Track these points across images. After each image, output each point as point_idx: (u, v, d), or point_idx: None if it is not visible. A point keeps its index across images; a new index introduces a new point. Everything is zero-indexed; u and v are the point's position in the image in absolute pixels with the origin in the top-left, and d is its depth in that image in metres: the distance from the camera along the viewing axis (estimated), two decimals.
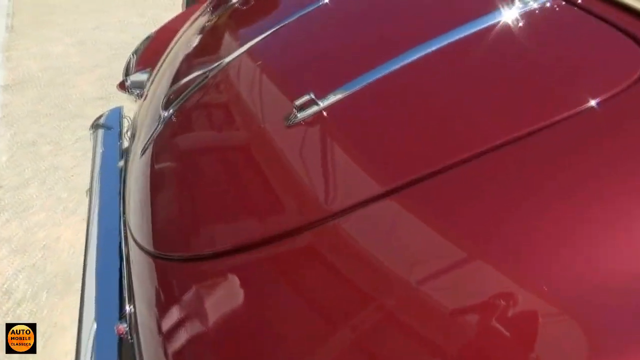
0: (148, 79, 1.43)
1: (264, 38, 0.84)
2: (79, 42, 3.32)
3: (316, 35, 0.81)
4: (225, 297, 0.66)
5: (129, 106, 2.56)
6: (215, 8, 1.27)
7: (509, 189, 0.50)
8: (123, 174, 1.18)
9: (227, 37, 0.98)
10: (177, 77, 0.98)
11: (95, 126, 1.52)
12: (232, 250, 0.67)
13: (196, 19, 1.28)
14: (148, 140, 0.93)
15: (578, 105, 0.53)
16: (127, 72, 1.61)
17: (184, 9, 3.89)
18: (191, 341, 0.67)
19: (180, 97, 0.89)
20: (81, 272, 1.65)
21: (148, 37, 1.62)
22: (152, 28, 3.61)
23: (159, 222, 0.83)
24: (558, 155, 0.51)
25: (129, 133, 1.58)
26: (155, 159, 0.89)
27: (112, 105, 2.63)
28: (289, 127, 0.68)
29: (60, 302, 1.52)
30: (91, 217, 1.19)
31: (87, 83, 2.83)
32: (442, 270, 0.50)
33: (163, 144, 0.88)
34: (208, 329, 0.67)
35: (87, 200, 1.98)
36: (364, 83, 0.66)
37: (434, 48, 0.65)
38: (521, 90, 0.58)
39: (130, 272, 0.87)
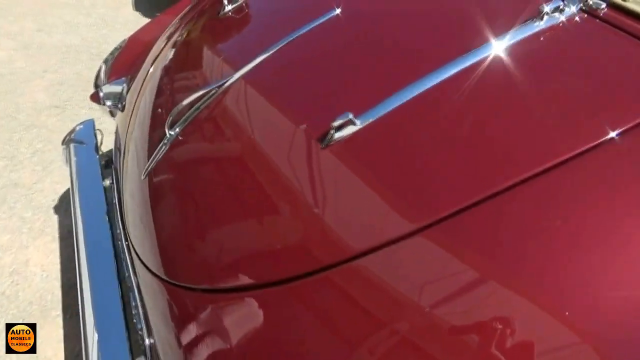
0: (127, 89, 1.36)
1: (276, 51, 0.81)
2: (22, 46, 3.09)
3: (334, 49, 0.78)
4: (254, 328, 0.63)
5: (88, 115, 2.43)
6: (198, 17, 1.21)
7: (550, 217, 0.50)
8: (114, 194, 1.11)
9: (231, 49, 0.94)
10: (176, 92, 0.93)
11: (67, 141, 1.43)
12: (260, 284, 0.64)
13: (179, 26, 1.22)
14: (151, 161, 0.88)
15: (609, 131, 0.53)
16: (98, 83, 1.51)
17: (134, 8, 3.72)
18: None
19: (187, 115, 0.84)
20: (59, 297, 1.54)
21: (119, 47, 1.53)
22: (102, 29, 3.44)
23: (179, 252, 0.78)
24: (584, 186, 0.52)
25: (102, 146, 1.49)
26: (165, 182, 0.84)
27: (69, 115, 2.49)
28: (325, 149, 0.65)
29: (39, 331, 1.42)
30: (77, 242, 1.11)
31: (37, 90, 2.64)
32: (458, 296, 0.50)
33: (174, 166, 0.83)
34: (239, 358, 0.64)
35: (55, 218, 1.85)
36: (401, 101, 0.65)
37: (465, 65, 0.65)
38: (557, 112, 0.59)
39: (144, 304, 0.82)
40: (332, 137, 0.65)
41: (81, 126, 1.45)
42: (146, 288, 0.82)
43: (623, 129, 0.53)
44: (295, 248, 0.64)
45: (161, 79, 1.05)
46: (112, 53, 1.55)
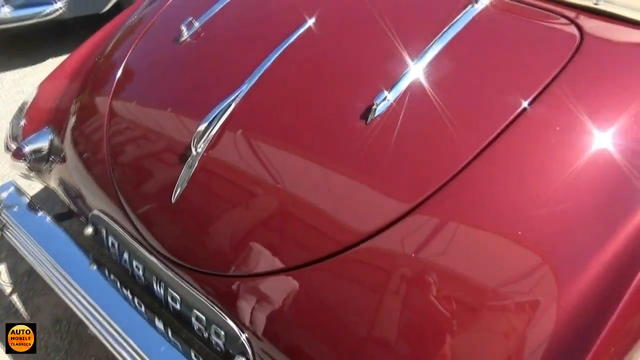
0: (59, 139, 1.29)
1: (274, 61, 0.93)
2: None
3: (334, 45, 0.96)
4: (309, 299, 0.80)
5: None
6: (138, 47, 1.23)
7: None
8: (115, 235, 1.07)
9: (228, 62, 1.02)
10: (183, 115, 0.96)
11: None
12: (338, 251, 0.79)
13: (121, 58, 1.21)
14: (180, 182, 0.91)
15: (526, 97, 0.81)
16: (7, 144, 1.39)
17: None
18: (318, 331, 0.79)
19: (210, 131, 0.90)
20: None
21: (25, 103, 1.41)
22: None
23: (243, 250, 0.86)
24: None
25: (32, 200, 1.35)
26: (207, 196, 0.89)
27: None
28: (369, 124, 0.83)
29: None
30: (80, 307, 1.06)
31: None
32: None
33: (212, 179, 0.89)
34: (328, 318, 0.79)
35: None
36: (413, 77, 0.86)
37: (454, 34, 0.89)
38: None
39: (223, 309, 0.88)
40: (375, 112, 0.83)
41: (10, 189, 1.32)
42: (222, 294, 0.88)
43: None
44: (351, 219, 0.81)
45: (142, 110, 1.07)
46: (16, 117, 1.42)
